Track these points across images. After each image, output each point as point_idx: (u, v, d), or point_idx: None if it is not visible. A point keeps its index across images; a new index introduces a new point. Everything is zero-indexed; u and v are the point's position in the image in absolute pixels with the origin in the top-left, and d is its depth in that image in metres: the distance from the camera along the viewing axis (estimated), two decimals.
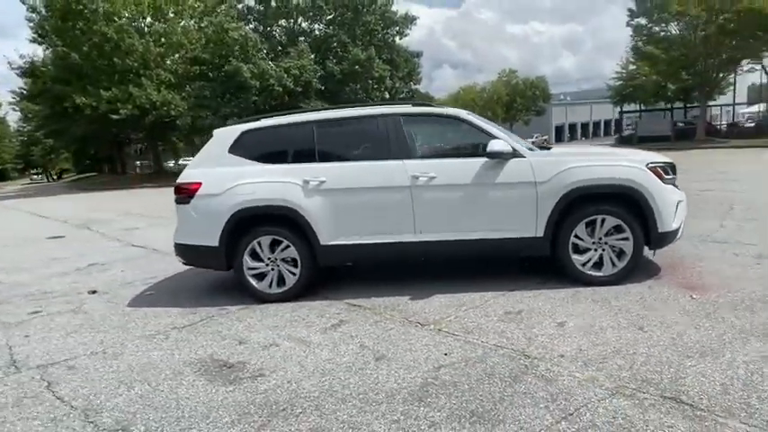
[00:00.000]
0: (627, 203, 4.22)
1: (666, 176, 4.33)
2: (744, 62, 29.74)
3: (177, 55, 30.03)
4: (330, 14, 33.83)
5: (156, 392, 3.01)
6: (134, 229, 10.54)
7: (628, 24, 30.80)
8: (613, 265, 4.30)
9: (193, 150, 50.82)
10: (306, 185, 4.40)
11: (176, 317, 4.42)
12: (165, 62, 29.43)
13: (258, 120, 4.88)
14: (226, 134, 4.76)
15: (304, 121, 4.69)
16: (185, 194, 4.63)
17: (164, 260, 6.97)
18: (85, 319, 4.57)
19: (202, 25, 29.86)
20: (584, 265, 4.32)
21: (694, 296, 3.90)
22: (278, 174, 4.49)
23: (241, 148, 4.63)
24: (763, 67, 31.37)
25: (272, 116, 4.93)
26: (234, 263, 4.58)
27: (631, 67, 36.19)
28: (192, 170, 4.74)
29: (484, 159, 4.32)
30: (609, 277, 4.29)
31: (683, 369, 2.79)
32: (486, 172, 4.30)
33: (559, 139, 67.58)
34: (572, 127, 70.32)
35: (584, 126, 72.60)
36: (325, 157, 4.54)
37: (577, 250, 4.32)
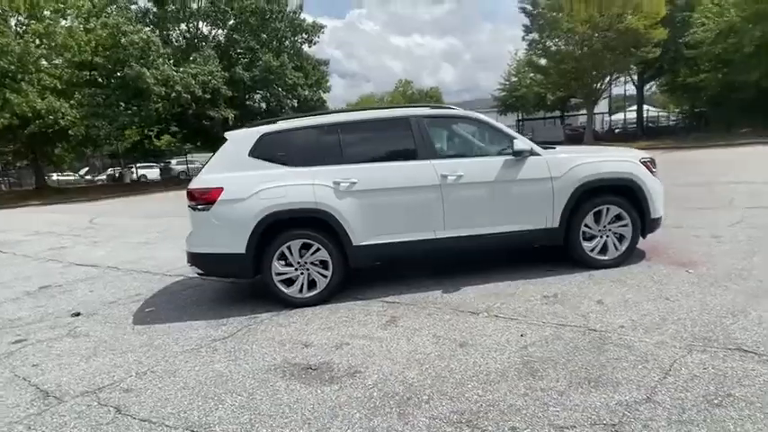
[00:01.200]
0: (626, 194, 4.79)
1: (653, 169, 4.98)
2: (620, 75, 33.87)
3: (60, 59, 27.07)
4: (233, 20, 32.73)
5: (255, 401, 2.90)
6: (61, 248, 9.47)
7: (523, 39, 33.53)
8: (616, 249, 4.84)
9: (81, 164, 45.93)
10: (337, 187, 4.41)
11: (206, 329, 4.18)
12: (47, 66, 26.38)
13: (274, 122, 4.78)
14: (243, 137, 4.60)
15: (328, 123, 4.68)
16: (204, 201, 4.39)
17: (131, 277, 6.46)
18: (95, 341, 4.15)
19: (89, 26, 27.24)
20: (592, 250, 4.81)
21: (690, 271, 4.54)
22: (306, 176, 4.43)
23: (262, 150, 4.51)
24: (633, 80, 35.98)
25: (289, 119, 4.86)
26: (261, 269, 4.44)
27: (513, 78, 39.67)
28: (209, 175, 4.50)
29: (504, 158, 4.66)
30: (613, 260, 4.82)
31: (727, 326, 3.30)
32: (508, 170, 4.63)
33: None
34: None
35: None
36: (352, 158, 4.57)
37: (585, 238, 4.81)
